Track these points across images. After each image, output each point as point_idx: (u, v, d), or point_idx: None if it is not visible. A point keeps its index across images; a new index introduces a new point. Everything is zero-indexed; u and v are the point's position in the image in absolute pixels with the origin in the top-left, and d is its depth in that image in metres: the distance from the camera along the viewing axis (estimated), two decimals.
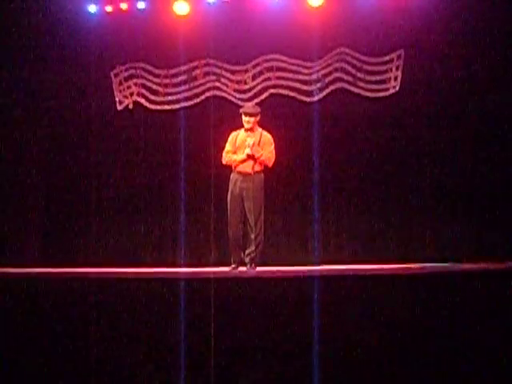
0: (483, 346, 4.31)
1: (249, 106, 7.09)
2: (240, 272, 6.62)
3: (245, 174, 6.80)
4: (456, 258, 7.27)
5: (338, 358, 4.20)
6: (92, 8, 8.57)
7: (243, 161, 6.79)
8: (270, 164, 6.91)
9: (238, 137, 6.90)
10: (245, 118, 6.84)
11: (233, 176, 6.88)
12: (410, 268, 6.60)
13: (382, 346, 4.22)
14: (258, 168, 6.82)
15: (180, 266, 7.97)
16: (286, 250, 8.25)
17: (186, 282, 4.73)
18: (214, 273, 6.31)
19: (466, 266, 6.71)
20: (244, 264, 6.83)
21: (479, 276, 4.91)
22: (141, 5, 8.48)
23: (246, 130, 6.88)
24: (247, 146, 6.74)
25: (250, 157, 6.75)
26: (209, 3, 8.38)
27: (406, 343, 4.28)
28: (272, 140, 6.92)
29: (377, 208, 8.10)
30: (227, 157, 6.89)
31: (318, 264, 7.79)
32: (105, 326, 4.72)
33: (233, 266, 6.85)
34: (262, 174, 6.87)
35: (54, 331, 4.83)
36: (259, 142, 6.83)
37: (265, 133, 6.93)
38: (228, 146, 6.92)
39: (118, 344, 4.61)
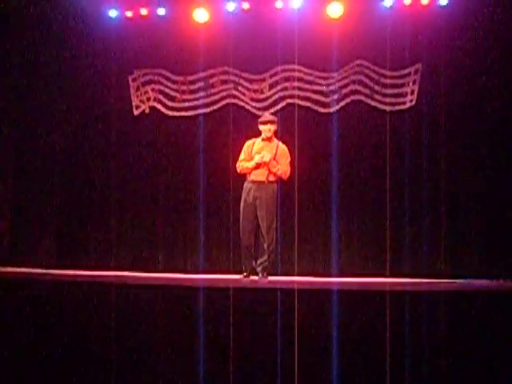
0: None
1: (267, 115, 7.09)
2: (251, 281, 6.61)
3: (258, 183, 6.77)
4: (471, 274, 7.27)
5: (353, 368, 4.19)
6: (112, 13, 8.61)
7: (254, 168, 6.78)
8: (286, 177, 6.90)
9: (253, 146, 6.87)
10: (265, 127, 6.81)
11: (246, 185, 6.86)
12: (422, 283, 6.59)
13: (399, 361, 4.20)
14: (272, 178, 6.81)
15: (193, 273, 7.96)
16: (300, 260, 8.21)
17: (198, 289, 4.73)
18: (226, 281, 6.30)
19: (481, 282, 6.69)
20: (256, 273, 6.82)
21: (494, 294, 4.90)
22: (161, 11, 8.52)
23: (264, 140, 6.86)
24: (261, 158, 6.72)
25: (260, 165, 6.74)
26: (228, 11, 8.41)
27: (418, 357, 4.26)
28: (288, 153, 6.92)
29: (393, 220, 8.06)
30: (240, 165, 6.89)
31: (332, 275, 7.78)
32: (117, 330, 4.72)
33: (244, 274, 6.85)
34: (276, 184, 6.86)
35: (65, 333, 4.84)
36: (275, 154, 6.81)
37: (281, 145, 6.92)
38: (242, 155, 6.91)
39: (131, 347, 4.61)
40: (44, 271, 7.30)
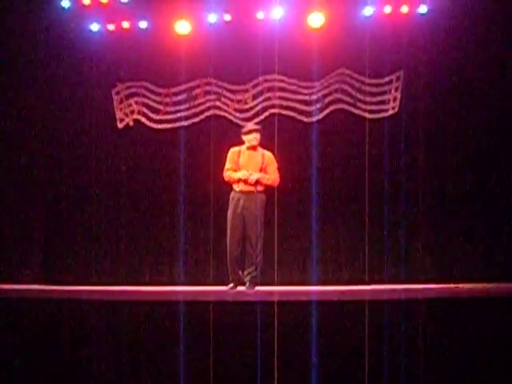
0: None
1: (252, 124, 7.14)
2: (239, 292, 6.60)
3: (247, 193, 6.77)
4: (458, 279, 7.33)
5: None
6: (94, 27, 8.60)
7: (240, 180, 6.79)
8: (276, 184, 6.96)
9: (240, 155, 6.87)
10: (250, 136, 6.81)
11: (234, 195, 6.85)
12: (407, 289, 6.63)
13: (380, 372, 4.22)
14: (260, 188, 6.82)
15: (178, 285, 7.95)
16: (280, 268, 8.22)
17: (183, 302, 4.74)
18: (214, 293, 6.30)
19: (468, 286, 6.75)
20: (242, 283, 6.81)
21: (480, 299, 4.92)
22: (143, 24, 8.53)
23: (249, 148, 6.87)
24: (249, 178, 6.73)
25: (247, 180, 6.77)
26: (210, 23, 8.43)
27: (400, 368, 4.27)
28: (274, 159, 6.95)
29: (376, 228, 8.12)
30: (227, 175, 6.90)
31: (317, 284, 7.80)
32: (101, 346, 4.71)
33: (231, 285, 6.82)
34: (264, 194, 6.87)
35: (50, 350, 4.81)
36: (262, 163, 6.84)
37: (266, 152, 6.93)
38: (228, 164, 6.89)
39: (113, 364, 4.60)
40: (27, 287, 7.28)
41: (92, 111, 8.70)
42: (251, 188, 6.76)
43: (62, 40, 8.55)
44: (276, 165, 6.93)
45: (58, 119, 8.69)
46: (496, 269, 7.63)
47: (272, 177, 6.85)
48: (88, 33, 8.62)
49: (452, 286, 7.02)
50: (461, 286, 7.01)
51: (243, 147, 6.90)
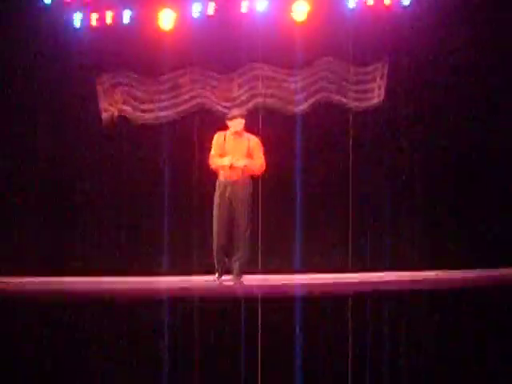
0: None
1: (236, 110, 7.13)
2: (225, 284, 6.60)
3: (234, 181, 6.71)
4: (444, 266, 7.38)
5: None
6: (77, 18, 8.49)
7: (226, 166, 6.74)
8: (263, 169, 6.87)
9: (225, 140, 6.79)
10: (235, 122, 6.72)
11: (220, 182, 6.79)
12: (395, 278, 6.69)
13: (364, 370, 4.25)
14: (246, 173, 6.77)
15: (164, 275, 7.96)
16: (264, 256, 8.25)
17: (167, 296, 4.75)
18: (198, 283, 6.32)
19: (455, 274, 6.82)
20: (229, 272, 6.78)
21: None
22: (127, 14, 8.42)
23: (235, 134, 6.80)
24: (236, 164, 6.69)
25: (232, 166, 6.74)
26: (195, 12, 8.37)
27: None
28: (260, 144, 6.85)
29: (361, 218, 8.18)
30: (213, 162, 6.84)
31: (302, 272, 7.85)
32: (86, 341, 4.72)
33: (216, 275, 6.77)
34: (250, 178, 6.83)
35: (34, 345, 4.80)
36: (248, 147, 6.79)
37: (252, 137, 6.86)
38: (213, 150, 6.83)
39: (98, 360, 4.61)
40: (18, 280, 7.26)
41: (76, 103, 8.61)
42: (238, 173, 6.72)
43: (46, 31, 8.44)
44: (262, 149, 6.85)
45: (42, 112, 8.60)
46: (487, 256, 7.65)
47: (258, 162, 6.78)
48: (71, 24, 8.54)
49: (435, 274, 7.07)
50: (444, 273, 7.06)
51: (228, 132, 6.83)
